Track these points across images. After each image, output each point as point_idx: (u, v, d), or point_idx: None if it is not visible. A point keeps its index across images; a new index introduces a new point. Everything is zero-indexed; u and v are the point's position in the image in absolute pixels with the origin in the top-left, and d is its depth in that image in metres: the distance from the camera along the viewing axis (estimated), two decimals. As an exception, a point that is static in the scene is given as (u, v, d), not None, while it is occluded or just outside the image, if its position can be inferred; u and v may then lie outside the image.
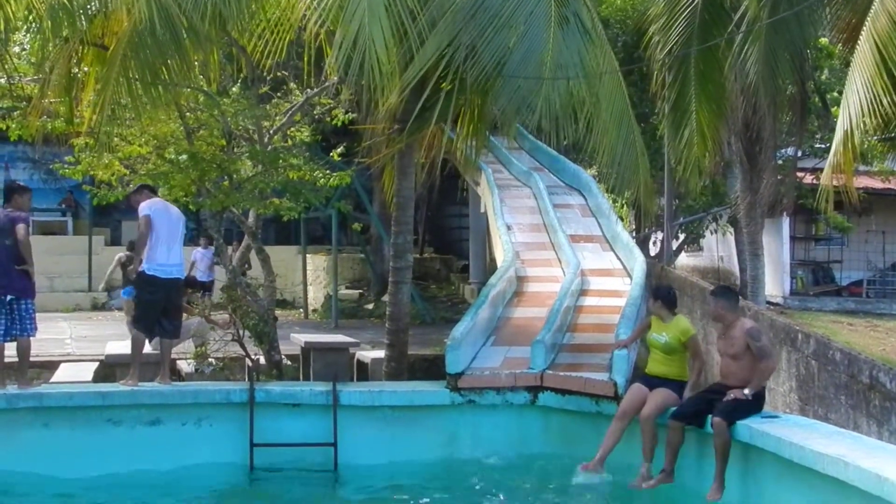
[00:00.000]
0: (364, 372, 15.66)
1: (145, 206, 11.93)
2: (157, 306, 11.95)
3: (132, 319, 12.17)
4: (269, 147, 15.24)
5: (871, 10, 13.68)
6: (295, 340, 16.38)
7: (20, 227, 11.12)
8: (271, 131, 15.44)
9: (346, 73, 11.10)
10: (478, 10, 11.67)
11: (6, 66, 14.82)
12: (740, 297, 19.31)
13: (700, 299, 17.03)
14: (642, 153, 14.07)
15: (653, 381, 10.17)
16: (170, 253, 11.90)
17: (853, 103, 13.30)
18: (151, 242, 11.80)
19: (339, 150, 17.86)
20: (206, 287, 21.05)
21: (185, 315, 14.29)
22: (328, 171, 16.25)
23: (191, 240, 28.67)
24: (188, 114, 14.74)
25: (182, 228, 12.30)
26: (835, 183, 13.67)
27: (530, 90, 11.99)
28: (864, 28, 13.70)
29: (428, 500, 10.05)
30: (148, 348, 12.98)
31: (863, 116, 13.14)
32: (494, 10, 11.71)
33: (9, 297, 11.06)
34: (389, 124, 13.23)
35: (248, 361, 14.46)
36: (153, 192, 12.63)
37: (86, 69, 13.63)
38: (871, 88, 13.19)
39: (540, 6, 11.94)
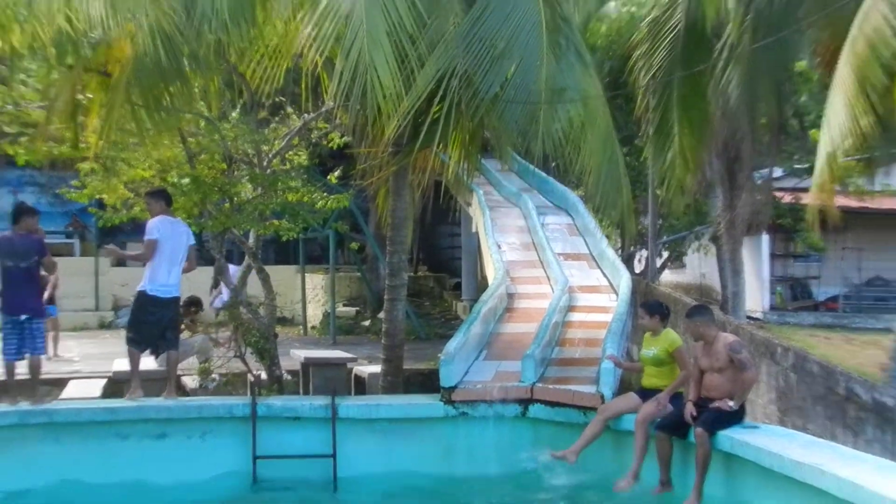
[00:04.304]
0: (361, 386, 15.67)
1: (154, 228, 11.86)
2: (159, 325, 11.94)
3: (128, 340, 12.07)
4: (269, 170, 15.29)
5: (850, 35, 13.79)
6: (295, 356, 16.39)
7: (49, 259, 11.43)
8: (270, 155, 15.49)
9: (347, 99, 11.12)
10: (472, 39, 11.72)
11: (12, 93, 14.90)
12: (720, 311, 19.50)
13: (683, 315, 17.10)
14: (624, 175, 14.14)
15: (647, 394, 10.25)
16: (170, 273, 11.86)
17: (835, 125, 13.40)
18: (154, 264, 11.79)
19: (336, 173, 17.92)
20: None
21: (189, 333, 14.35)
22: (325, 194, 16.30)
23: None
24: (190, 139, 14.80)
25: (187, 244, 12.13)
26: (818, 202, 13.80)
27: (526, 116, 12.05)
28: (844, 52, 13.80)
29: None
30: (154, 365, 13.00)
31: (845, 137, 13.23)
32: (488, 38, 11.74)
33: (23, 317, 11.11)
34: (385, 147, 13.27)
35: (250, 377, 14.50)
36: (168, 201, 12.50)
37: (90, 96, 13.67)
38: (852, 110, 13.30)
39: (532, 34, 11.99)
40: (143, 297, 11.89)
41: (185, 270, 12.20)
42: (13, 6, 10.34)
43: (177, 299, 12.20)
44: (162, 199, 12.38)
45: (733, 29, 17.00)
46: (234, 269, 23.32)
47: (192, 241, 12.32)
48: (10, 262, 11.10)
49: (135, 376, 11.99)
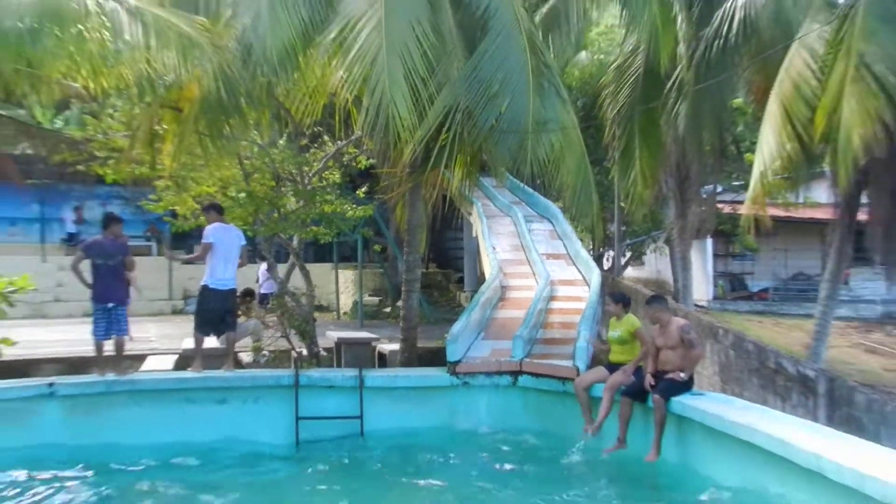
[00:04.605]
0: (383, 360, 15.64)
1: (209, 234, 11.87)
2: (219, 312, 11.93)
3: (196, 327, 12.09)
4: (309, 187, 15.29)
5: (778, 77, 13.85)
6: (329, 336, 16.33)
7: (130, 259, 11.39)
8: (310, 174, 15.49)
9: (372, 129, 11.12)
10: (472, 81, 11.73)
11: (102, 125, 14.91)
12: (673, 300, 19.49)
13: (643, 303, 17.08)
14: (595, 190, 14.12)
15: (613, 367, 10.26)
16: (226, 269, 11.86)
17: (766, 149, 13.43)
18: (212, 262, 11.79)
19: (363, 189, 17.91)
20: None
21: (244, 318, 14.35)
22: (354, 205, 16.32)
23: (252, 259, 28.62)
24: (245, 161, 14.79)
25: (238, 246, 12.07)
26: (752, 212, 13.85)
27: (516, 143, 12.06)
28: (773, 90, 13.84)
29: (433, 456, 10.08)
30: (217, 344, 12.98)
31: (774, 159, 13.28)
32: (485, 81, 11.74)
33: (110, 305, 11.14)
34: (402, 168, 13.26)
35: (293, 353, 14.49)
36: (219, 212, 12.45)
37: (165, 126, 13.68)
38: (780, 137, 13.32)
39: (521, 77, 11.97)
40: (205, 290, 11.90)
41: (240, 266, 12.21)
42: (104, 55, 10.34)
43: (233, 290, 12.18)
44: (214, 210, 12.39)
45: (681, 72, 17.02)
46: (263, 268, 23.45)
47: (244, 242, 12.31)
48: (101, 260, 11.15)
49: (198, 355, 12.01)
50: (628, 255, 27.62)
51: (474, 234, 22.29)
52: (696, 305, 23.98)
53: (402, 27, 11.32)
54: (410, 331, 14.06)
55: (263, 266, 20.76)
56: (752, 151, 16.61)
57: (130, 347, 13.80)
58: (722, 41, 15.89)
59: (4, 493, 8.58)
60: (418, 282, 14.75)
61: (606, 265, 26.87)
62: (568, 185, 13.48)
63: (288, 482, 9.63)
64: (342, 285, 28.68)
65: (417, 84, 11.23)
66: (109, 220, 11.66)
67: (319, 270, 25.23)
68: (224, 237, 11.94)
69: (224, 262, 11.85)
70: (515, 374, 11.60)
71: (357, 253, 26.98)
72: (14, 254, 28.12)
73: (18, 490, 8.70)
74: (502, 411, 11.40)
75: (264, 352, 14.59)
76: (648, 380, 9.52)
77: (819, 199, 22.64)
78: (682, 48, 16.84)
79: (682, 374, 9.35)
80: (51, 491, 8.72)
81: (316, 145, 16.55)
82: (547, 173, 13.10)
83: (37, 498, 8.47)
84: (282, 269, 17.21)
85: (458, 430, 11.16)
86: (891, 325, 26.12)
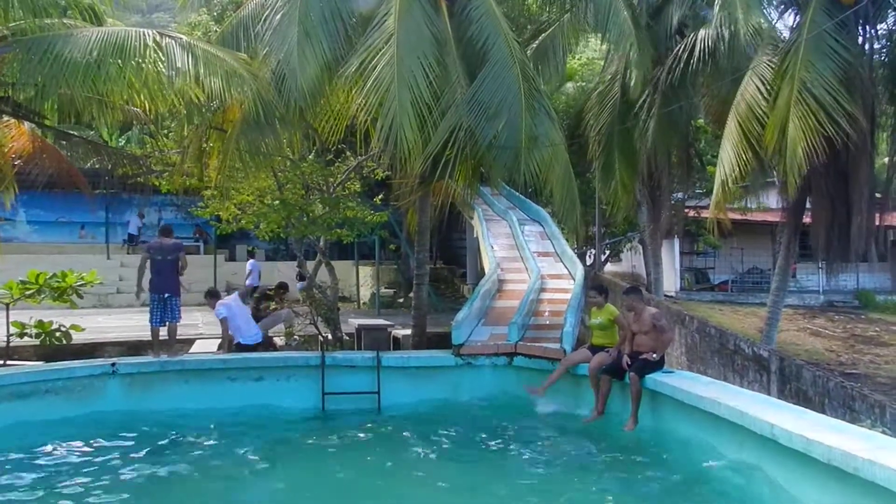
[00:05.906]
0: (397, 344, 15.64)
1: (220, 311, 12.09)
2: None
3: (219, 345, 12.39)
4: (333, 195, 15.31)
5: (735, 100, 13.91)
6: (351, 323, 16.35)
7: (184, 256, 11.46)
8: (335, 184, 15.50)
9: (385, 146, 11.22)
10: (473, 104, 11.75)
11: (158, 143, 14.91)
12: (646, 291, 19.47)
13: (621, 294, 17.06)
14: (578, 199, 14.11)
15: (595, 350, 10.21)
16: (248, 328, 12.26)
17: (726, 162, 13.46)
18: (234, 327, 12.11)
19: (379, 197, 17.92)
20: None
21: (278, 307, 14.38)
22: (372, 211, 16.32)
23: (281, 257, 28.57)
24: (279, 173, 14.81)
25: (247, 307, 12.32)
26: (715, 216, 13.90)
27: (511, 157, 12.08)
28: (731, 111, 13.91)
29: (440, 426, 10.06)
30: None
31: (732, 170, 13.32)
32: (484, 103, 11.79)
33: (166, 295, 11.17)
34: (413, 179, 13.28)
35: (320, 337, 14.49)
36: (217, 297, 12.68)
37: (211, 144, 13.72)
38: (737, 150, 13.37)
39: (515, 100, 12.00)
40: (239, 345, 12.20)
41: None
42: (160, 83, 10.34)
43: (258, 344, 12.40)
44: (212, 297, 12.66)
45: (650, 97, 17.08)
46: (252, 265, 23.72)
47: (247, 301, 12.77)
48: (159, 256, 11.21)
49: (224, 342, 12.21)
50: (608, 252, 27.61)
51: (475, 235, 22.26)
52: (666, 296, 23.95)
53: (410, 62, 11.42)
54: (420, 318, 14.06)
55: (251, 262, 20.88)
56: (713, 165, 16.62)
57: (181, 332, 13.85)
58: (686, 67, 15.92)
59: (77, 451, 8.66)
60: (427, 276, 14.77)
61: (589, 261, 26.86)
62: (556, 193, 13.50)
63: (317, 433, 9.89)
64: (362, 279, 28.64)
65: (423, 110, 11.29)
66: (166, 230, 11.82)
67: (342, 266, 25.15)
68: (231, 306, 12.22)
69: (245, 323, 12.21)
70: (511, 355, 11.56)
71: (375, 251, 27.00)
72: (83, 252, 28.23)
73: (88, 448, 8.79)
74: (499, 387, 11.37)
75: (295, 336, 14.59)
76: (625, 360, 9.50)
77: (770, 204, 22.61)
78: (650, 76, 16.87)
79: (654, 355, 9.33)
80: (113, 447, 8.84)
81: (339, 160, 16.57)
82: (538, 183, 13.12)
83: (102, 452, 8.58)
84: (310, 265, 17.24)
85: (461, 403, 11.12)
86: (832, 312, 26.10)
